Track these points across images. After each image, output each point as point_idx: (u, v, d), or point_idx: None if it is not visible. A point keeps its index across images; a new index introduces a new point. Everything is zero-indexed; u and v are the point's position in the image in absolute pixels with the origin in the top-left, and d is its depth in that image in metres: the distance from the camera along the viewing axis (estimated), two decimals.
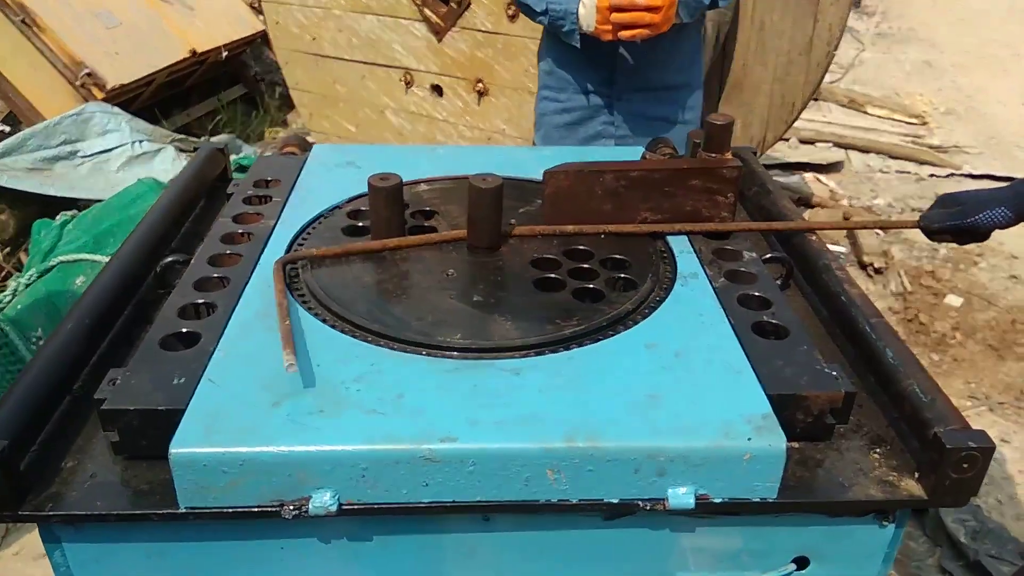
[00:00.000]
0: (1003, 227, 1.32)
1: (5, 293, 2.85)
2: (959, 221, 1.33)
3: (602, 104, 2.18)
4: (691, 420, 0.95)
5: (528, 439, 0.91)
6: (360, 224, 1.38)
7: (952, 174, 5.11)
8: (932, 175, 5.09)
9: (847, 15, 3.23)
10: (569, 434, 0.92)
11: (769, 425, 0.94)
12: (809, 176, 4.87)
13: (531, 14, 2.05)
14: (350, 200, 1.47)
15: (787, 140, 5.26)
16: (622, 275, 1.25)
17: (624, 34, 1.89)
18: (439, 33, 3.47)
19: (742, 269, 1.26)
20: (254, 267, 1.24)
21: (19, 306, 2.71)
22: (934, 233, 1.38)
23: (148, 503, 0.93)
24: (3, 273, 3.52)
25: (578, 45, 1.99)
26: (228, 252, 1.29)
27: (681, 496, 0.93)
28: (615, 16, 1.87)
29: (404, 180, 1.28)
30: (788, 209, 1.46)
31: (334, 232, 1.36)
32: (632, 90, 2.14)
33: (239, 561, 1.00)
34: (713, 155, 1.37)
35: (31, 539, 2.37)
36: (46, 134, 3.81)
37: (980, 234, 1.35)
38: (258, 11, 5.19)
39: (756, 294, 1.19)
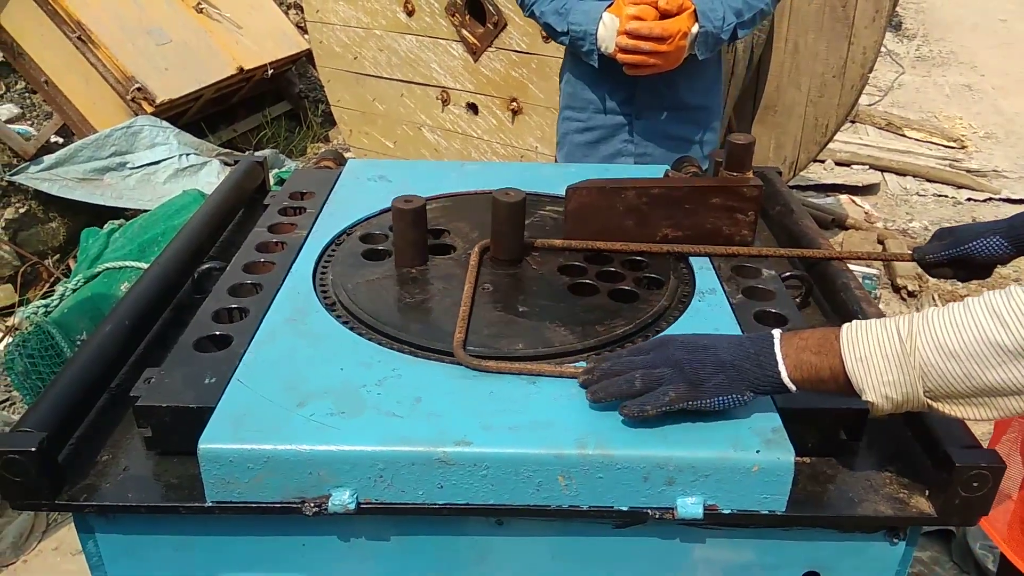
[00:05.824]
0: (1002, 260, 1.27)
1: (53, 297, 2.96)
2: (952, 251, 1.29)
3: (623, 123, 2.20)
4: (701, 431, 0.97)
5: (540, 445, 0.94)
6: (379, 248, 1.40)
7: (990, 198, 5.02)
8: (970, 199, 5.02)
9: (882, 38, 3.22)
10: (580, 441, 0.94)
11: (778, 439, 0.96)
12: (844, 198, 4.83)
13: (553, 35, 2.10)
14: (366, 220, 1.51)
15: (823, 162, 5.23)
16: (642, 284, 1.28)
17: (630, 71, 1.94)
18: (475, 53, 3.54)
19: (760, 286, 1.27)
20: (286, 275, 1.29)
21: (65, 310, 2.81)
22: (930, 266, 1.34)
23: (177, 496, 0.97)
24: (52, 279, 3.65)
25: (596, 65, 2.03)
26: (262, 260, 1.34)
27: (690, 506, 0.95)
28: (621, 56, 1.92)
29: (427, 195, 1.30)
30: (810, 229, 1.47)
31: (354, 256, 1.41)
32: (652, 109, 2.16)
33: (262, 556, 1.04)
34: (734, 174, 1.39)
35: (69, 534, 2.44)
36: (97, 146, 3.95)
37: (978, 265, 1.29)
38: (303, 31, 5.32)
39: (773, 311, 1.20)
